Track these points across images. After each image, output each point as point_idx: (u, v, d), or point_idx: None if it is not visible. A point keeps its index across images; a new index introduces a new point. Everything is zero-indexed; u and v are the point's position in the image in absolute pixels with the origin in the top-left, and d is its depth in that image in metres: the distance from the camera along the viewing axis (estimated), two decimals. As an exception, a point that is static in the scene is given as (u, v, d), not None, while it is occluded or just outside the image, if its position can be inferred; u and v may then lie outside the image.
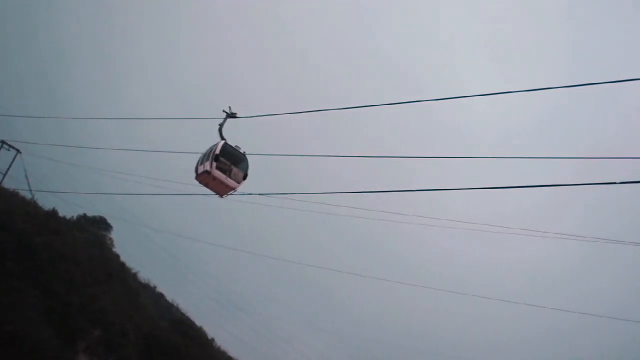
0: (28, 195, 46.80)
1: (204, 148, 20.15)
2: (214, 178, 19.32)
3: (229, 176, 19.39)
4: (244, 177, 19.66)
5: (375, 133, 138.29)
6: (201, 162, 20.12)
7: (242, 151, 19.69)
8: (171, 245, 75.19)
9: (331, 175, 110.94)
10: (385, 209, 26.57)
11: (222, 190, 19.90)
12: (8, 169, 47.86)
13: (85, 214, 53.10)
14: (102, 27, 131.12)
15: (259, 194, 24.44)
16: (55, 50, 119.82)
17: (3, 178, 47.70)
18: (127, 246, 54.75)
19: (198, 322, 52.22)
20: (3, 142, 47.79)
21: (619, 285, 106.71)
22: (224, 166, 19.28)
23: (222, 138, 19.74)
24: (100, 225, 53.65)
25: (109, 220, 54.63)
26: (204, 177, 19.81)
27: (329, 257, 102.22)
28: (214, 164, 19.11)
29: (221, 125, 19.99)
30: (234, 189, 19.71)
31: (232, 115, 19.99)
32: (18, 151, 48.16)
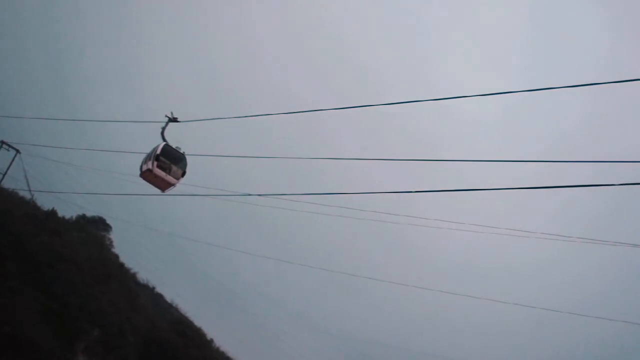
0: (27, 196, 46.87)
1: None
2: (155, 175, 21.61)
3: (169, 173, 21.65)
4: (183, 175, 21.95)
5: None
6: (145, 161, 22.35)
7: (181, 151, 21.93)
8: (170, 246, 75.42)
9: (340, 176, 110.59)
10: (377, 210, 26.75)
11: (163, 186, 22.17)
12: (7, 169, 47.87)
13: (84, 214, 53.16)
14: (119, 23, 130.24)
15: (258, 195, 24.65)
16: (70, 49, 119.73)
17: (2, 178, 47.69)
18: (126, 246, 54.89)
19: (197, 322, 52.31)
20: (2, 142, 47.80)
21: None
22: (164, 165, 21.57)
23: (164, 140, 21.90)
24: (99, 225, 53.74)
25: (108, 221, 54.79)
26: (146, 175, 22.09)
27: (324, 258, 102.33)
28: (155, 163, 21.41)
29: (163, 128, 22.19)
30: (173, 184, 22.01)
31: (173, 119, 22.19)
32: (17, 151, 48.17)
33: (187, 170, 21.98)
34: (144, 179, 22.50)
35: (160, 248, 72.33)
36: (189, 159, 22.56)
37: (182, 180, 22.05)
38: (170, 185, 22.07)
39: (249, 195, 27.89)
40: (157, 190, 23.99)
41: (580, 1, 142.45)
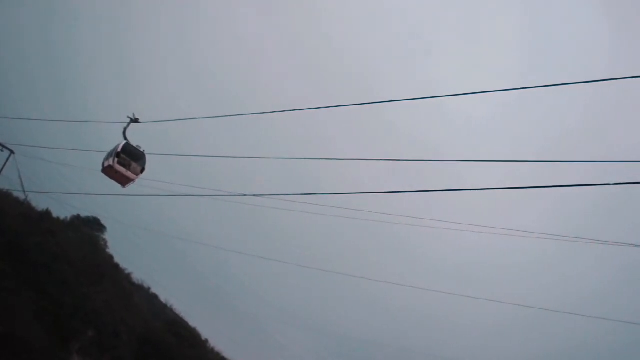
0: (22, 196, 46.73)
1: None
2: (116, 171, 23.28)
3: (129, 170, 23.30)
4: (142, 171, 23.57)
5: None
6: (107, 158, 24.00)
7: (141, 150, 23.54)
8: (165, 246, 75.45)
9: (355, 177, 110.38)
10: (373, 209, 26.89)
11: (123, 181, 23.82)
12: (1, 169, 47.69)
13: (78, 215, 53.08)
14: (115, 23, 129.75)
15: (253, 195, 24.75)
16: (65, 49, 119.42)
17: (-4, 179, 47.48)
18: (120, 247, 54.84)
19: (192, 322, 52.36)
20: (-4, 142, 47.53)
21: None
22: (125, 162, 23.25)
23: (125, 139, 23.54)
24: (93, 226, 53.68)
25: (103, 221, 54.73)
26: (108, 171, 23.80)
27: (320, 258, 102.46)
28: (116, 159, 23.10)
29: (125, 128, 23.77)
30: (133, 180, 23.68)
31: (135, 120, 23.76)
32: (12, 152, 47.98)
33: (146, 167, 23.63)
34: (106, 174, 24.17)
35: (155, 249, 72.45)
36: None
37: (141, 176, 23.73)
38: (130, 180, 23.64)
39: (244, 195, 27.94)
40: (152, 191, 24.79)
41: (579, 1, 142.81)
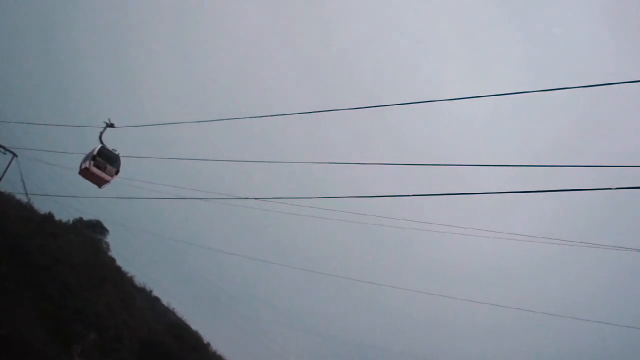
0: (24, 199, 46.76)
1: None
2: (92, 173, 24.23)
3: (104, 172, 24.30)
4: (116, 172, 24.62)
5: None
6: (83, 160, 24.97)
7: (116, 153, 24.57)
8: (167, 249, 75.45)
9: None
10: (373, 213, 26.91)
11: (99, 182, 24.81)
12: (4, 172, 47.69)
13: (81, 218, 53.07)
14: (118, 27, 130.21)
15: (255, 199, 24.77)
16: (67, 52, 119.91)
17: (-1, 182, 47.52)
18: (122, 250, 54.84)
19: (194, 326, 52.34)
20: (-1, 145, 47.55)
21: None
22: (100, 164, 24.26)
23: (101, 142, 24.46)
24: (96, 229, 53.66)
25: (105, 224, 54.73)
26: (84, 173, 24.74)
27: (322, 261, 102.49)
28: (92, 162, 24.05)
29: (101, 133, 24.60)
30: (108, 181, 24.66)
31: (110, 125, 24.51)
32: (14, 155, 47.98)
33: (121, 169, 24.62)
34: (83, 176, 25.01)
35: (157, 252, 72.46)
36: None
37: (116, 177, 24.74)
38: (105, 181, 24.63)
39: (247, 198, 27.99)
40: (153, 194, 24.91)
41: (577, 5, 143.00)
